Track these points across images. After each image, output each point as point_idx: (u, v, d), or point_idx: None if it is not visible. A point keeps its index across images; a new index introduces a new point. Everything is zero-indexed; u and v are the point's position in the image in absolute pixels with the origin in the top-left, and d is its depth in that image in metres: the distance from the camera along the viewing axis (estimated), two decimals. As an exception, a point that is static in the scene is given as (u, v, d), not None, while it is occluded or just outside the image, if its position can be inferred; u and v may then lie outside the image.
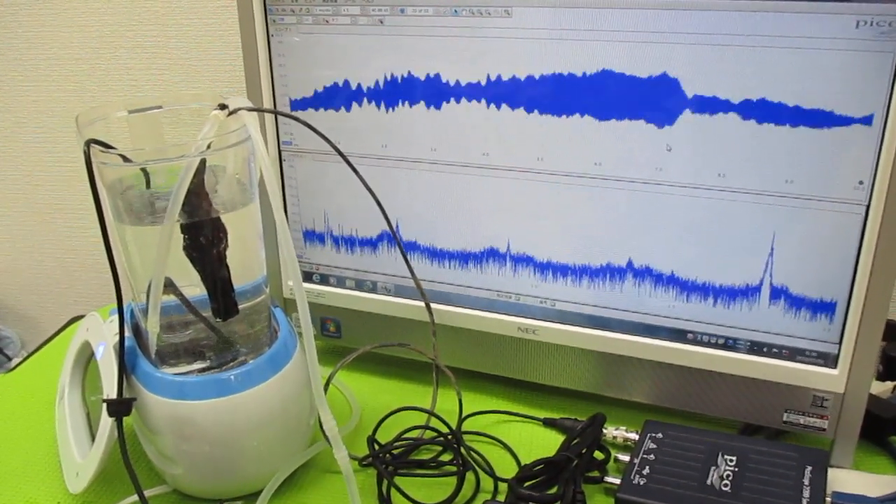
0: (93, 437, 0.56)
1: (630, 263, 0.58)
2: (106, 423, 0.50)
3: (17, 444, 0.63)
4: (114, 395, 0.49)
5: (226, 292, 0.52)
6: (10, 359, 0.97)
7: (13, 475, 0.59)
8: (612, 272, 0.59)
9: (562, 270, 0.60)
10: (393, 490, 0.55)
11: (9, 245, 1.00)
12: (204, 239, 0.49)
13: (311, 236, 0.68)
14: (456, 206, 0.61)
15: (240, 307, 0.53)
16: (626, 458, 0.57)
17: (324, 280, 0.69)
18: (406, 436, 0.61)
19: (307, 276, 0.70)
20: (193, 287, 0.52)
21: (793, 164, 0.51)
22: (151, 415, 0.52)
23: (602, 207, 0.57)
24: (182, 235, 0.49)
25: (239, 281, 0.53)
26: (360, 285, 0.68)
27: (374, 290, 0.67)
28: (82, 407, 0.59)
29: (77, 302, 1.02)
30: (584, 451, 0.56)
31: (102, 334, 0.56)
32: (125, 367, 0.52)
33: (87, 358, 0.61)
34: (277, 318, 0.58)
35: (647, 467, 0.55)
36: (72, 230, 0.98)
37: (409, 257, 0.64)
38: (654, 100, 0.53)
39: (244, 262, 0.54)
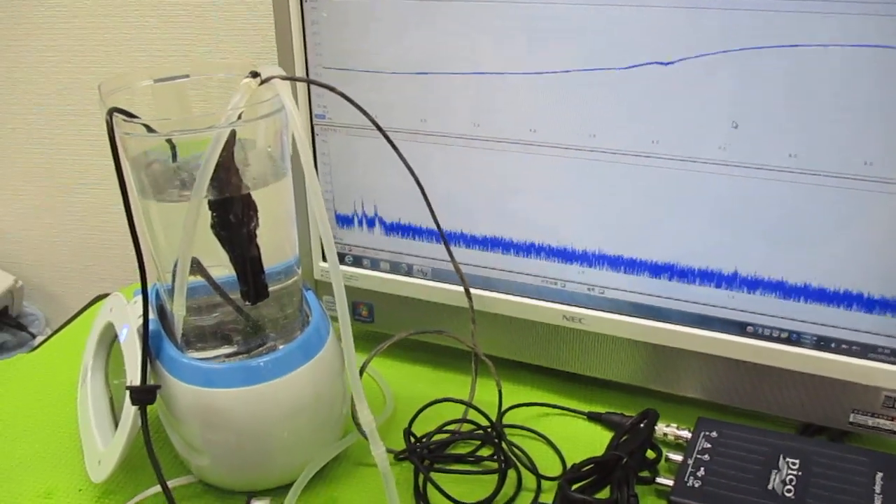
0: (116, 423, 0.53)
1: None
2: (129, 410, 0.47)
3: (38, 428, 0.61)
4: (137, 382, 0.46)
5: (255, 274, 0.49)
6: (34, 336, 0.96)
7: (34, 460, 0.57)
8: (667, 262, 0.55)
9: (612, 257, 0.56)
10: (429, 485, 0.52)
11: (33, 220, 0.98)
12: (233, 217, 0.46)
13: (344, 216, 0.64)
14: (500, 186, 0.57)
15: (270, 290, 0.50)
16: (677, 457, 0.53)
17: (357, 262, 0.66)
18: (444, 428, 0.58)
19: (339, 258, 0.66)
20: (221, 268, 0.49)
21: (872, 143, 0.47)
22: (177, 402, 0.49)
23: (656, 190, 0.53)
24: (210, 213, 0.46)
25: (269, 262, 0.49)
26: (395, 268, 0.64)
27: (409, 273, 0.64)
28: (105, 391, 0.57)
29: (103, 279, 1.00)
30: (635, 449, 0.52)
31: (126, 316, 0.53)
32: (149, 352, 0.49)
33: (110, 340, 0.58)
34: (309, 302, 0.55)
35: (702, 468, 0.51)
36: (97, 206, 0.96)
37: (447, 239, 0.61)
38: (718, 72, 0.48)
39: (275, 241, 0.51)
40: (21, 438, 0.59)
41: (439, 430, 0.57)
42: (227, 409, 0.48)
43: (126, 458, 0.49)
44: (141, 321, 0.50)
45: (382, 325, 0.67)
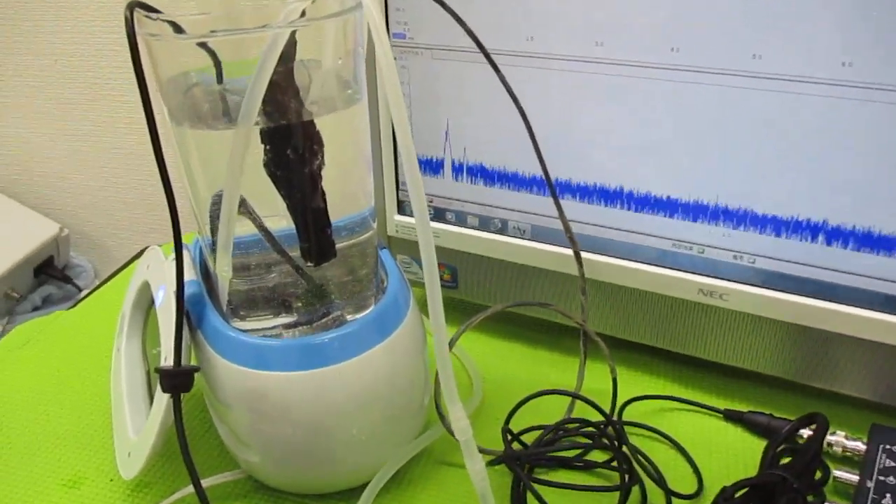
0: (151, 403, 0.44)
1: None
2: (161, 398, 0.38)
3: (70, 401, 0.52)
4: (170, 363, 0.36)
5: (320, 227, 0.38)
6: (80, 290, 0.88)
7: (62, 440, 0.49)
8: (844, 226, 0.42)
9: (768, 217, 0.44)
10: (530, 495, 0.41)
11: (82, 167, 0.90)
12: (291, 151, 0.35)
13: (425, 160, 0.53)
14: (626, 124, 0.45)
15: (338, 247, 0.39)
16: (849, 477, 0.41)
17: (438, 215, 0.54)
18: (546, 423, 0.47)
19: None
20: (277, 219, 0.39)
21: None
22: (221, 385, 0.39)
23: (839, 130, 0.40)
24: (263, 147, 0.35)
25: (338, 212, 0.39)
26: (485, 224, 0.53)
27: (503, 230, 0.52)
28: (142, 362, 0.48)
29: (153, 230, 0.92)
30: (803, 469, 0.40)
31: (164, 275, 0.43)
32: (185, 325, 0.39)
33: (147, 302, 0.49)
34: (385, 264, 0.44)
35: (889, 496, 0.39)
36: (149, 152, 0.87)
37: (556, 190, 0.49)
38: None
39: (345, 185, 0.40)
40: (49, 413, 0.51)
41: (541, 428, 0.46)
42: (284, 396, 0.38)
43: (160, 451, 0.39)
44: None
45: (467, 292, 0.56)
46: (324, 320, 0.42)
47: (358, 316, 0.41)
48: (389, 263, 0.44)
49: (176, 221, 0.34)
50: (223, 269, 0.37)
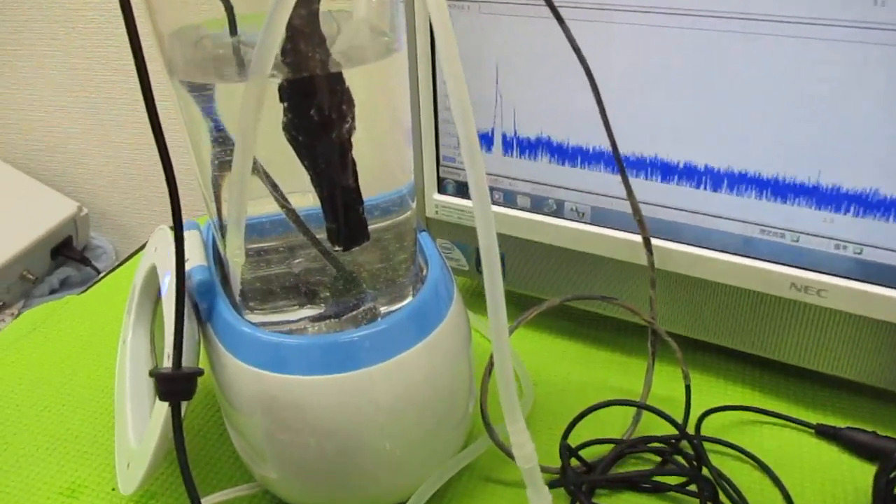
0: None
1: None
2: (160, 408, 0.32)
3: (73, 397, 0.47)
4: (168, 365, 0.30)
5: (350, 205, 0.32)
6: (99, 272, 0.84)
7: (61, 443, 0.43)
8: None
9: (886, 201, 0.36)
10: (592, 526, 0.35)
11: (102, 142, 0.85)
12: (316, 112, 0.29)
13: (470, 131, 0.46)
14: (706, 88, 0.38)
15: (371, 229, 0.33)
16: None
17: (484, 195, 0.48)
18: (607, 436, 0.40)
19: (461, 188, 0.49)
20: (301, 196, 0.33)
21: None
22: (233, 388, 0.34)
23: None
24: (281, 106, 0.29)
25: (372, 188, 0.33)
26: (537, 205, 0.46)
27: (558, 212, 0.46)
28: (149, 357, 0.42)
29: (190, 213, 0.87)
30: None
31: (171, 259, 0.38)
32: (193, 318, 0.33)
33: (156, 288, 0.43)
34: (425, 250, 0.38)
35: None
36: (174, 125, 0.82)
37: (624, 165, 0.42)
38: None
39: (381, 156, 0.34)
40: (51, 411, 0.46)
41: (602, 442, 0.40)
42: (306, 404, 0.32)
43: (162, 464, 0.34)
44: (188, 265, 0.35)
45: (515, 283, 0.50)
46: (354, 313, 0.36)
47: (393, 309, 0.35)
48: (430, 249, 0.38)
49: (175, 197, 0.28)
50: (234, 253, 0.32)
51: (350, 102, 0.30)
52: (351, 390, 0.32)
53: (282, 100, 0.29)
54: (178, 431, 0.29)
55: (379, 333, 0.33)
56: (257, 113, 0.27)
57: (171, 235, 0.40)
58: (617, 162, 0.40)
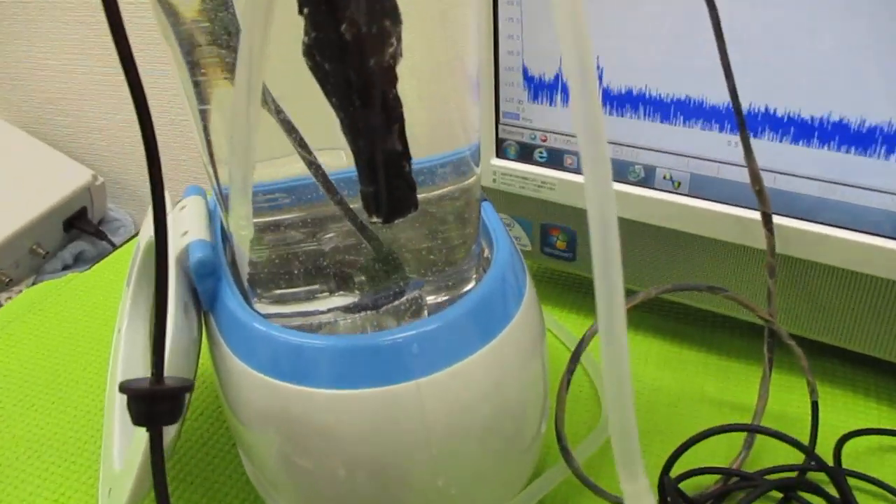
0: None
1: None
2: (140, 432, 0.24)
3: (64, 392, 0.40)
4: (143, 377, 0.22)
5: (393, 162, 0.24)
6: (115, 247, 0.77)
7: (49, 447, 0.36)
8: None
9: None
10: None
11: (120, 107, 0.78)
12: (347, 26, 0.21)
13: (538, 83, 0.38)
14: (853, 17, 0.29)
15: (421, 197, 0.25)
16: None
17: (553, 159, 0.39)
18: (713, 464, 0.32)
19: (525, 151, 0.40)
20: (330, 152, 0.25)
21: None
22: (240, 401, 0.26)
23: None
24: (302, 21, 0.21)
25: (424, 146, 0.25)
26: (621, 171, 0.38)
27: (647, 181, 0.37)
28: (146, 351, 0.35)
29: (197, 179, 0.80)
30: None
31: (175, 231, 0.30)
32: (192, 307, 0.26)
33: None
34: (489, 226, 0.30)
35: None
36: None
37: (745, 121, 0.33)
38: None
39: (436, 103, 0.25)
40: (38, 408, 0.39)
41: (707, 472, 0.32)
42: (336, 425, 0.24)
43: (146, 494, 0.26)
44: (187, 239, 0.28)
45: (586, 267, 0.41)
46: (395, 303, 0.28)
47: (445, 300, 0.27)
48: (495, 225, 0.29)
49: (153, 151, 0.20)
50: (240, 224, 0.24)
51: (394, 16, 0.21)
52: (393, 408, 0.24)
53: (301, 10, 0.20)
54: (157, 465, 0.21)
55: (431, 334, 0.24)
56: (266, 23, 0.19)
57: (170, 203, 0.32)
58: (737, 114, 0.31)
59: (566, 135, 0.38)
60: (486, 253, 0.29)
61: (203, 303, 0.28)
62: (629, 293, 0.31)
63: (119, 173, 0.83)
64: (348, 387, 0.24)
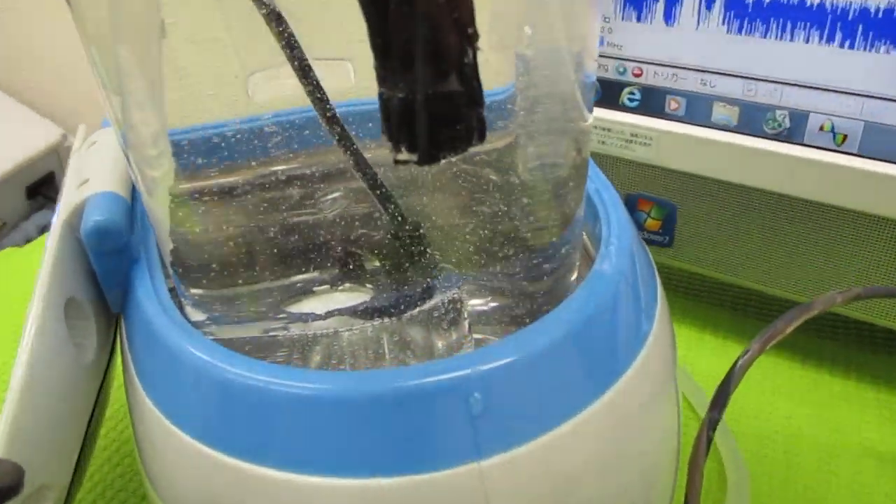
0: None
1: None
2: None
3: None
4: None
5: (449, 49, 0.12)
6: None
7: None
8: None
9: None
10: None
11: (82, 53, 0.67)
12: None
13: (632, -10, 0.26)
14: None
15: (491, 134, 0.13)
16: None
17: (650, 102, 0.28)
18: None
19: (609, 91, 0.28)
20: (334, 65, 0.14)
21: None
22: (167, 485, 0.15)
23: None
24: None
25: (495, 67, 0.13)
26: (752, 120, 0.26)
27: (793, 134, 0.25)
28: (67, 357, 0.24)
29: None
30: None
31: (69, 181, 0.19)
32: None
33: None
34: (596, 198, 0.18)
35: None
36: (180, 43, 0.63)
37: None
38: None
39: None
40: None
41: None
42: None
43: None
44: (85, 192, 0.17)
45: (689, 256, 0.30)
46: (427, 307, 0.17)
47: (505, 309, 0.16)
48: (606, 194, 0.18)
49: None
50: (148, 155, 0.12)
51: None
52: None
53: None
54: None
55: (504, 375, 0.13)
56: None
57: (97, 134, 0.21)
58: None
59: (674, 66, 0.27)
60: (586, 239, 0.17)
61: (110, 301, 0.17)
62: (787, 303, 0.20)
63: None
64: (358, 473, 0.13)
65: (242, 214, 0.15)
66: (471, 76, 0.12)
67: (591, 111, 0.16)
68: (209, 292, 0.16)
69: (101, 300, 0.17)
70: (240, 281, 0.17)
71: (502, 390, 0.13)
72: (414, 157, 0.12)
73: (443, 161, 0.13)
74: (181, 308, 0.15)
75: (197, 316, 0.16)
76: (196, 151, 0.14)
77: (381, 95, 0.12)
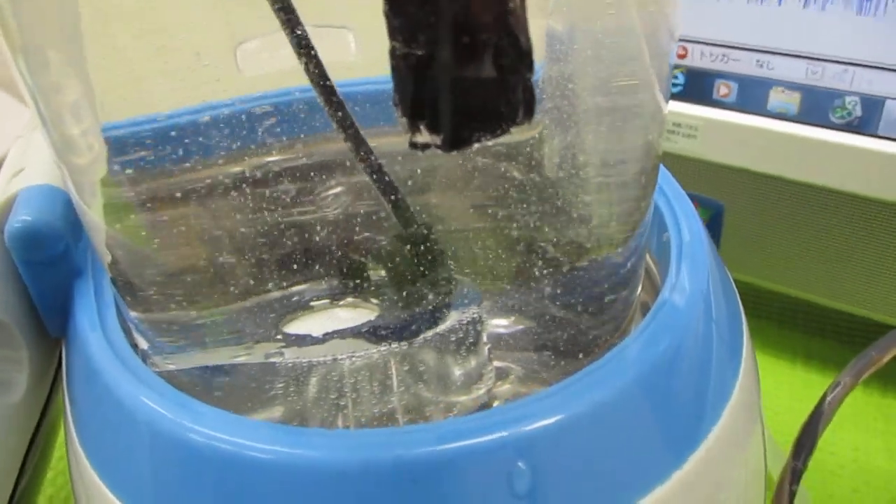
0: None
1: None
2: None
3: None
4: None
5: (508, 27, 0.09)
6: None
7: None
8: None
9: None
10: None
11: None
12: None
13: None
14: None
15: (539, 109, 0.10)
16: None
17: (696, 88, 0.24)
18: None
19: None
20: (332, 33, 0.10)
21: None
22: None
23: None
24: None
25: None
26: (815, 107, 0.22)
27: (865, 124, 0.22)
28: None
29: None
30: None
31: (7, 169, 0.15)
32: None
33: None
34: (664, 209, 0.14)
35: None
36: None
37: None
38: None
39: None
40: None
41: None
42: None
43: None
44: (17, 184, 0.13)
45: (737, 264, 0.26)
46: (444, 328, 0.14)
47: (539, 341, 0.13)
48: (677, 203, 0.14)
49: None
50: (75, 141, 0.09)
51: None
52: None
53: None
54: None
55: (552, 436, 0.10)
56: None
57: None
58: None
59: (724, 45, 0.23)
60: (657, 276, 0.14)
61: (47, 325, 0.13)
62: (869, 323, 0.17)
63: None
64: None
65: (209, 217, 0.12)
66: (517, 27, 0.09)
67: (667, 97, 0.13)
68: (163, 315, 0.12)
69: (37, 323, 0.14)
70: (215, 296, 0.13)
71: (551, 458, 0.10)
72: (437, 140, 0.09)
73: (476, 145, 0.09)
74: (134, 344, 0.12)
75: (146, 344, 0.12)
76: (140, 142, 0.10)
77: (392, 52, 0.08)
